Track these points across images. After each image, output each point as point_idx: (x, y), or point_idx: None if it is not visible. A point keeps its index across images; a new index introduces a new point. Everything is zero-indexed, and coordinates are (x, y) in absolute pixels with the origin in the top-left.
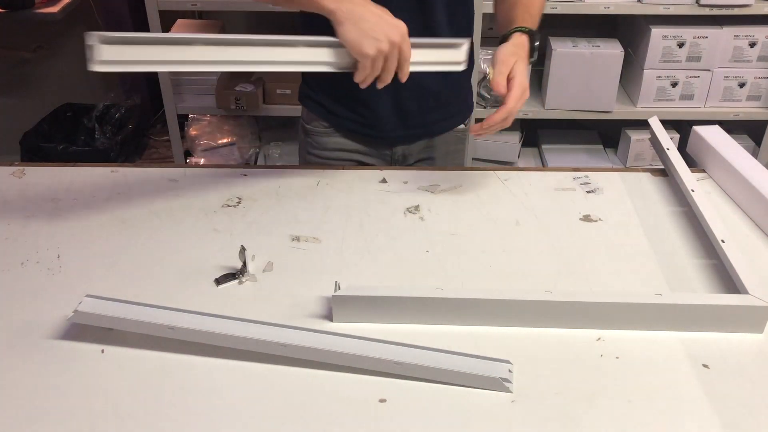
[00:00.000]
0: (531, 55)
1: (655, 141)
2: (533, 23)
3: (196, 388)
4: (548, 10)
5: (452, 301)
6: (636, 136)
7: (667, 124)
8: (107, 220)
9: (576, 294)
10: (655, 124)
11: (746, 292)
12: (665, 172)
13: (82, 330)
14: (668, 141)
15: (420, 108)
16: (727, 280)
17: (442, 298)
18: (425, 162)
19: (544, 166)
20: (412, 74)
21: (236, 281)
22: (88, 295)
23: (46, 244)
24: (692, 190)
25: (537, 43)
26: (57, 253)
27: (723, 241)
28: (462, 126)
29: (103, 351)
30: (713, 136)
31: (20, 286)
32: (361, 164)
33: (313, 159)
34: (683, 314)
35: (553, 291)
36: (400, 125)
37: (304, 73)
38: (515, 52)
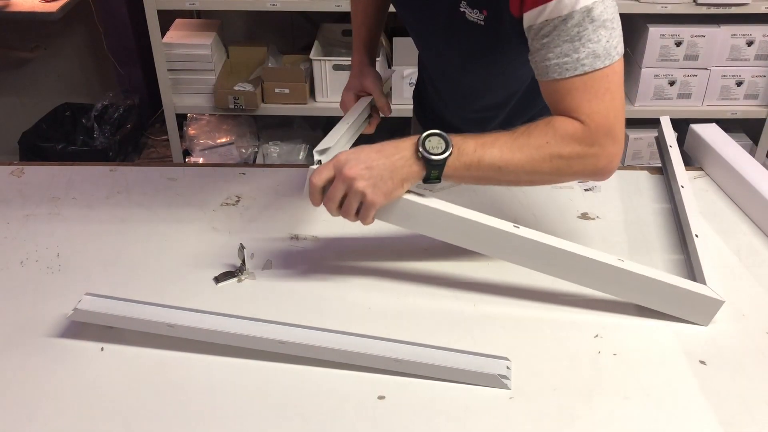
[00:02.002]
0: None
1: (661, 138)
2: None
3: (196, 386)
4: None
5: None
6: (634, 135)
7: None
8: (106, 219)
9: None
10: (665, 123)
11: (704, 283)
12: (662, 170)
13: (82, 328)
14: (673, 140)
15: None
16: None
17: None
18: None
19: None
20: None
21: (235, 279)
22: (87, 294)
23: (45, 242)
24: (682, 186)
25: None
26: (56, 251)
27: (696, 236)
28: None
29: (102, 349)
30: (711, 134)
31: (20, 284)
32: None
33: None
34: (639, 284)
35: (551, 286)
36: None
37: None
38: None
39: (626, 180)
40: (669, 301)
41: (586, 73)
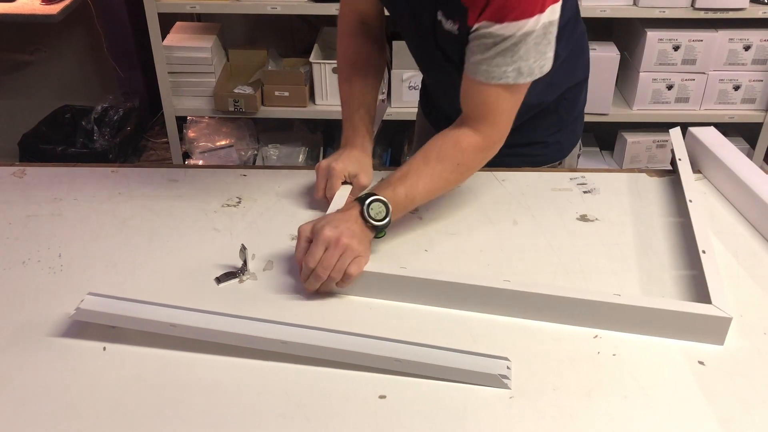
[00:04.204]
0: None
1: (675, 149)
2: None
3: (198, 385)
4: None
5: (447, 284)
6: (632, 139)
7: (662, 126)
8: (108, 220)
9: (538, 286)
10: (675, 135)
11: (710, 302)
12: (662, 173)
13: (84, 328)
14: (683, 152)
15: None
16: (703, 291)
17: (438, 281)
18: None
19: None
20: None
21: (237, 280)
22: (89, 293)
23: (47, 243)
24: (690, 201)
25: (381, 223)
26: (58, 252)
27: (704, 252)
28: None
29: (104, 348)
30: (709, 137)
31: (22, 284)
32: None
33: None
34: (641, 316)
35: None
36: None
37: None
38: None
39: (625, 182)
40: (675, 326)
41: (507, 84)
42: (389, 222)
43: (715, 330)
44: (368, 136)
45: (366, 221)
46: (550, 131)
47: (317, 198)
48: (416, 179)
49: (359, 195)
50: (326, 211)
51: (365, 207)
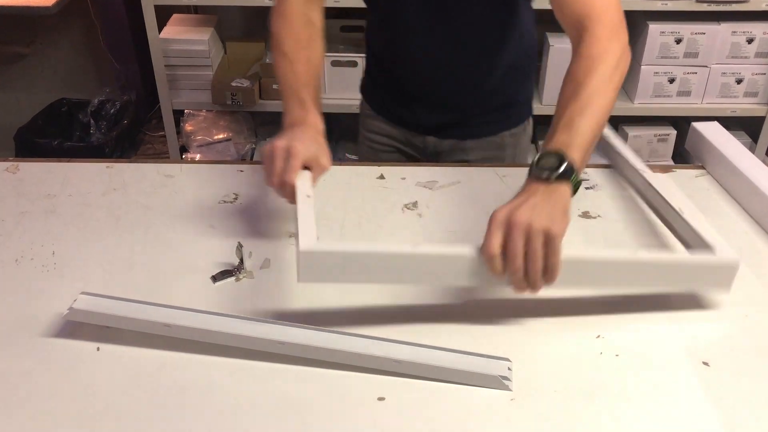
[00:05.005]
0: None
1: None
2: (579, 139)
3: (193, 386)
4: (545, 6)
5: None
6: (633, 132)
7: (665, 120)
8: (102, 217)
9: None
10: (609, 133)
11: (712, 252)
12: (664, 169)
13: (78, 327)
14: (623, 147)
15: (456, 98)
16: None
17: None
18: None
19: None
20: (454, 64)
21: (233, 278)
22: (83, 293)
23: (40, 240)
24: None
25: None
26: (52, 249)
27: (681, 210)
28: (507, 132)
29: (98, 349)
30: (712, 132)
31: (14, 283)
32: (399, 152)
33: (363, 140)
34: (643, 273)
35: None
36: (432, 111)
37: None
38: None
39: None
40: (681, 280)
41: None
42: (577, 174)
43: (722, 277)
44: (320, 116)
45: (555, 179)
46: (519, 89)
47: (270, 185)
48: (580, 111)
49: (542, 167)
50: (318, 208)
51: (551, 170)
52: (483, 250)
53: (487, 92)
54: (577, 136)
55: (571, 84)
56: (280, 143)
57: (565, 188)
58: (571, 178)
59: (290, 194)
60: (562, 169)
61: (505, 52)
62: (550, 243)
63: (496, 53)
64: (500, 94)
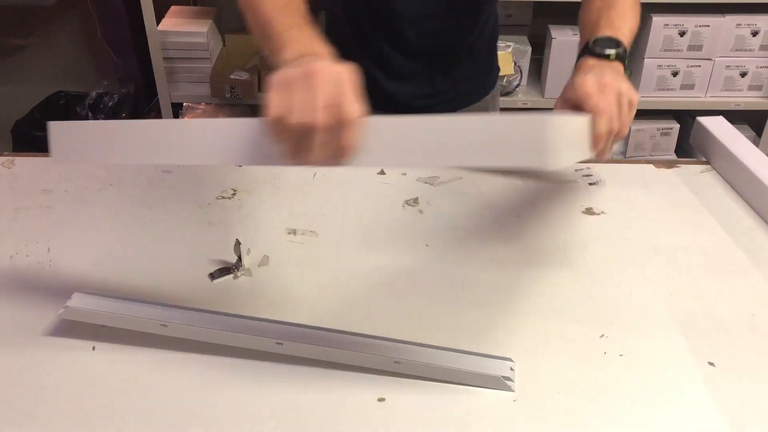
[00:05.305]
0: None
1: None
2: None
3: (190, 386)
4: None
5: None
6: (636, 126)
7: (668, 113)
8: (99, 213)
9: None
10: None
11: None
12: (669, 164)
13: (73, 326)
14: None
15: (447, 63)
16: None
17: None
18: None
19: None
20: (430, 39)
21: (231, 276)
22: (78, 291)
23: (36, 237)
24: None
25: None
26: (47, 246)
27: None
28: (486, 96)
29: (94, 348)
30: (717, 127)
31: (9, 280)
32: None
33: None
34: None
35: (556, 284)
36: (421, 85)
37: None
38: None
39: (631, 174)
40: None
41: None
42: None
43: (531, 143)
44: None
45: (610, 56)
46: (494, 55)
47: (312, 125)
48: (623, 25)
49: (603, 46)
50: (317, 204)
51: (603, 49)
52: (598, 106)
53: (476, 55)
54: (621, 36)
55: (599, 1)
56: (315, 64)
57: (621, 68)
58: (624, 62)
59: (346, 140)
60: (621, 48)
61: (493, 8)
62: (631, 109)
63: (488, 9)
64: (483, 61)
